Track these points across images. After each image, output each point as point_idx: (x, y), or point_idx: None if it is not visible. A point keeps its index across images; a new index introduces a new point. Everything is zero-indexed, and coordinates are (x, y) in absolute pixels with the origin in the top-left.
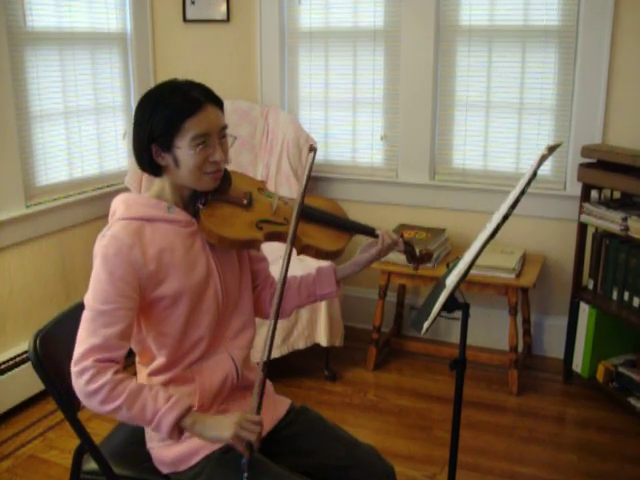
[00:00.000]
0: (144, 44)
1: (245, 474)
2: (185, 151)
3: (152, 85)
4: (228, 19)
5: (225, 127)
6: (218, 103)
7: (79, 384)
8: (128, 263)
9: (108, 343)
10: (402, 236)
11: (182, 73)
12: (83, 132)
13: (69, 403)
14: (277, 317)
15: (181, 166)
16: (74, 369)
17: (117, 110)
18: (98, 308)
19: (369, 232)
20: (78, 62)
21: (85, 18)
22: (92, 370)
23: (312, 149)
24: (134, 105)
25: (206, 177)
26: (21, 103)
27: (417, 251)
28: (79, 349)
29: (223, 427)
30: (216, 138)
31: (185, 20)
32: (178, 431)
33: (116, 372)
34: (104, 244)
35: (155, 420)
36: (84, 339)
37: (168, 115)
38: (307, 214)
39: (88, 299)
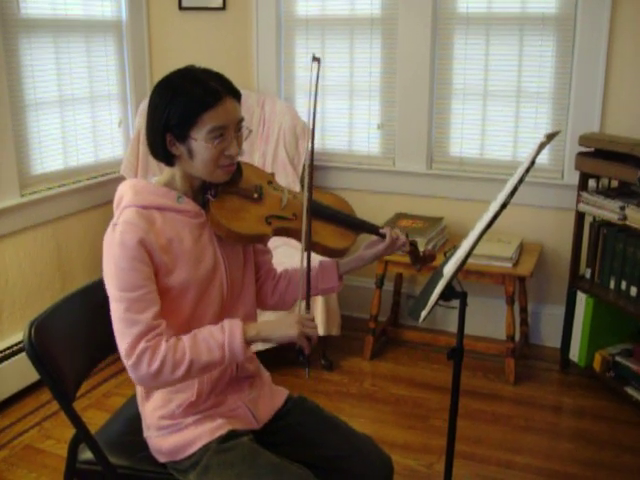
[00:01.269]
0: (139, 32)
1: (307, 369)
2: (201, 143)
3: (148, 73)
4: (224, 7)
5: (242, 120)
6: (236, 95)
7: (141, 371)
8: (145, 247)
9: (150, 325)
10: (407, 236)
11: (178, 61)
12: (78, 121)
13: (64, 393)
14: (309, 299)
15: (195, 158)
16: (129, 362)
17: (112, 98)
18: (129, 297)
19: (376, 231)
20: (73, 50)
21: (80, 5)
22: (148, 351)
23: (315, 59)
24: (130, 93)
25: (220, 170)
26: (15, 91)
27: (421, 252)
28: (125, 342)
29: (287, 327)
30: (233, 131)
31: (181, 8)
32: (249, 347)
33: (166, 340)
34: (120, 230)
35: (226, 353)
36: (126, 331)
37: (186, 106)
38: (316, 211)
39: (114, 290)
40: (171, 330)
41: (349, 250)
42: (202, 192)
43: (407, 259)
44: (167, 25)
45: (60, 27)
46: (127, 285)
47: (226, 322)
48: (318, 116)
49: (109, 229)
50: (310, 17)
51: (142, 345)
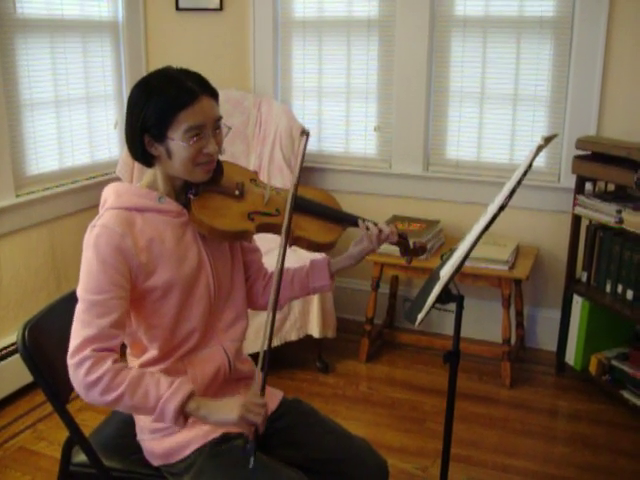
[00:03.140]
0: (136, 32)
1: (251, 458)
2: (178, 143)
3: (144, 74)
4: (221, 8)
5: (220, 118)
6: (213, 94)
7: (78, 376)
8: (120, 252)
9: (104, 333)
10: (396, 228)
11: (174, 62)
12: (74, 121)
13: (58, 394)
14: (275, 310)
15: (173, 157)
16: (71, 362)
17: (109, 99)
18: (91, 299)
19: (354, 222)
20: (69, 50)
21: (76, 6)
22: (91, 360)
23: (304, 133)
24: (126, 94)
25: (198, 169)
26: (11, 91)
27: (411, 243)
28: (74, 341)
29: (229, 410)
30: (210, 130)
31: (178, 8)
32: (183, 417)
33: (115, 361)
34: (95, 233)
35: (159, 407)
36: (79, 331)
37: (162, 106)
38: (300, 205)
39: (80, 291)
40: (158, 332)
41: (335, 244)
42: (184, 192)
43: (401, 259)
44: (164, 26)
45: (56, 27)
46: (92, 287)
47: (179, 382)
48: (315, 118)
49: (88, 229)
50: (307, 19)
51: (88, 352)
